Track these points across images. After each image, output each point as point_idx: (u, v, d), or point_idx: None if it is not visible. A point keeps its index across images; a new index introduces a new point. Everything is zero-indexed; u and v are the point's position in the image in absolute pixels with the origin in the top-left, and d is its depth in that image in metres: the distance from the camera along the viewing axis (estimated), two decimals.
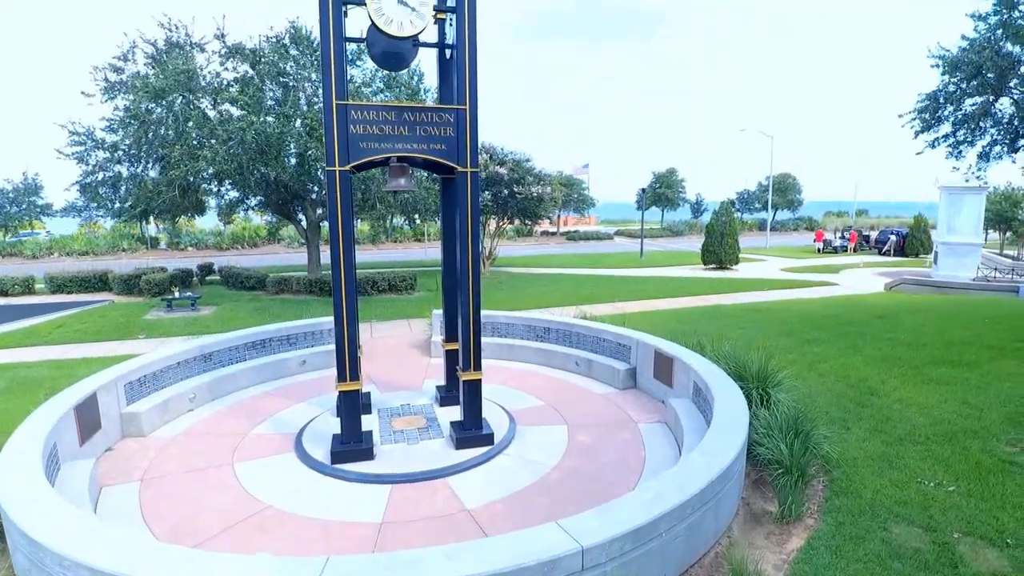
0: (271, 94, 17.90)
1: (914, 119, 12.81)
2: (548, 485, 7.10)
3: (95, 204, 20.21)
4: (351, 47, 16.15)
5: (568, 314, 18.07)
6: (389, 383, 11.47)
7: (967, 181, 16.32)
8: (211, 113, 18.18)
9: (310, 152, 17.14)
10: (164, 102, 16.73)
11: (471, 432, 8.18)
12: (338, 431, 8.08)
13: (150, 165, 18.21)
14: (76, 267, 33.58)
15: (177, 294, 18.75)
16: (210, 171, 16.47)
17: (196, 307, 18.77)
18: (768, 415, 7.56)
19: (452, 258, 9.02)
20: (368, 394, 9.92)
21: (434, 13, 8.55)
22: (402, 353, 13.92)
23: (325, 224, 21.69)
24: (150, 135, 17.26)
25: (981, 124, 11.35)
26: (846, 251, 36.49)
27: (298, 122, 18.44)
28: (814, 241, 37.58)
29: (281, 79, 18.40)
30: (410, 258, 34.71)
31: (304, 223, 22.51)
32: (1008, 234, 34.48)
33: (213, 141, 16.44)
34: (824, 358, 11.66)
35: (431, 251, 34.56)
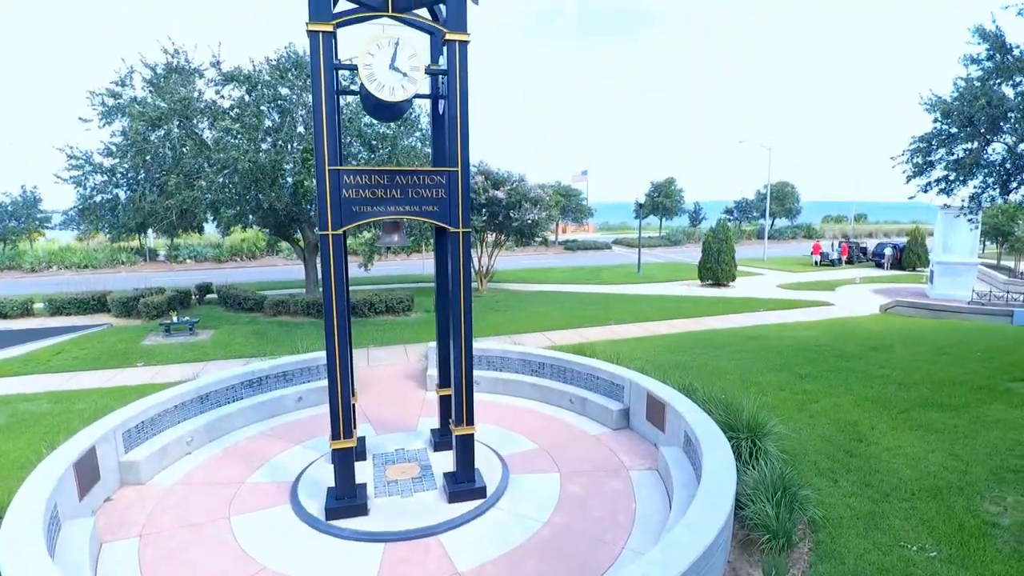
0: (267, 120, 18.01)
1: (907, 162, 12.96)
2: (539, 544, 7.20)
3: (93, 225, 20.32)
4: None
5: (564, 338, 18.26)
6: (384, 421, 11.57)
7: (956, 217, 16.48)
8: (208, 134, 18.31)
9: (306, 182, 17.25)
10: (161, 130, 16.85)
11: (464, 485, 8.29)
12: (332, 479, 8.16)
13: (148, 189, 18.31)
14: (75, 279, 33.75)
15: (175, 318, 18.84)
16: (207, 199, 16.59)
17: (194, 331, 18.88)
18: (756, 475, 7.65)
19: (445, 302, 9.13)
20: (363, 439, 10.02)
21: (428, 64, 8.69)
22: (398, 386, 14.01)
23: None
24: (148, 159, 17.36)
25: (973, 171, 11.51)
26: (841, 264, 36.59)
27: (293, 144, 18.55)
28: (811, 254, 37.64)
29: (278, 102, 18.53)
30: (408, 271, 34.79)
31: (301, 242, 22.61)
32: (1005, 246, 34.60)
33: (208, 168, 16.54)
34: (815, 397, 11.77)
35: (428, 264, 34.65)
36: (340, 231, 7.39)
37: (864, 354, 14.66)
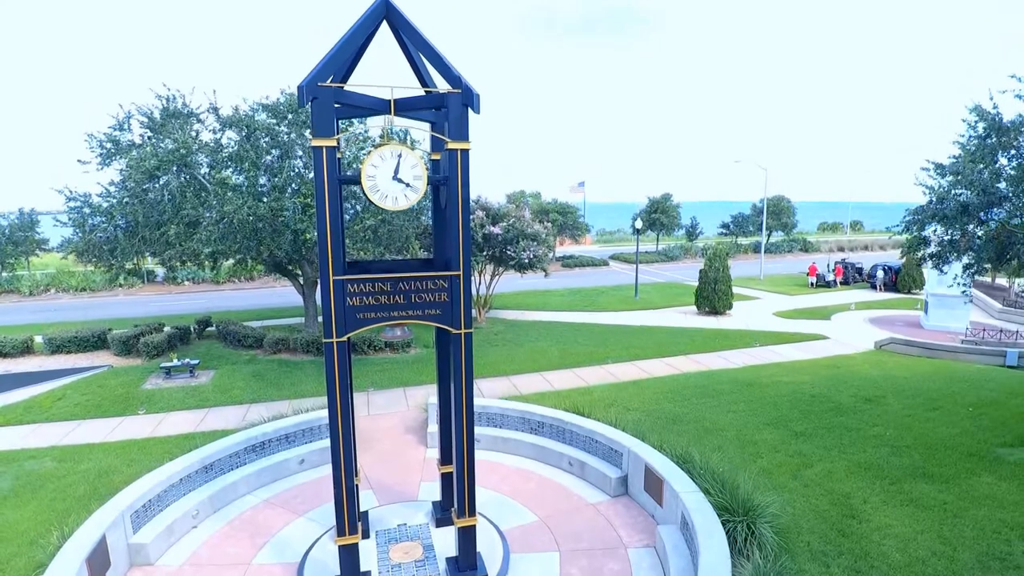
0: (266, 164, 18.17)
1: (903, 232, 13.28)
2: None
3: (93, 264, 20.45)
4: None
5: (562, 380, 18.43)
6: (386, 487, 11.74)
7: (949, 287, 16.73)
8: (205, 170, 18.48)
9: (307, 233, 17.41)
10: (160, 180, 17.01)
11: (466, 573, 8.46)
12: (338, 563, 8.28)
13: (148, 235, 18.46)
14: (73, 303, 33.81)
15: (176, 360, 18.95)
16: (207, 251, 16.75)
17: (194, 373, 19.00)
18: (751, 569, 7.83)
19: (445, 373, 9.24)
20: (365, 514, 10.18)
21: (430, 153, 8.86)
22: (398, 441, 14.16)
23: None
24: (146, 209, 17.52)
25: (968, 250, 11.78)
26: (836, 285, 36.83)
27: (292, 187, 18.72)
28: (807, 275, 37.89)
29: (275, 140, 18.70)
30: None
31: (301, 278, 22.74)
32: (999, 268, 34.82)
33: (208, 214, 16.68)
34: (810, 460, 11.96)
35: None
36: (345, 338, 7.55)
37: (858, 407, 14.86)
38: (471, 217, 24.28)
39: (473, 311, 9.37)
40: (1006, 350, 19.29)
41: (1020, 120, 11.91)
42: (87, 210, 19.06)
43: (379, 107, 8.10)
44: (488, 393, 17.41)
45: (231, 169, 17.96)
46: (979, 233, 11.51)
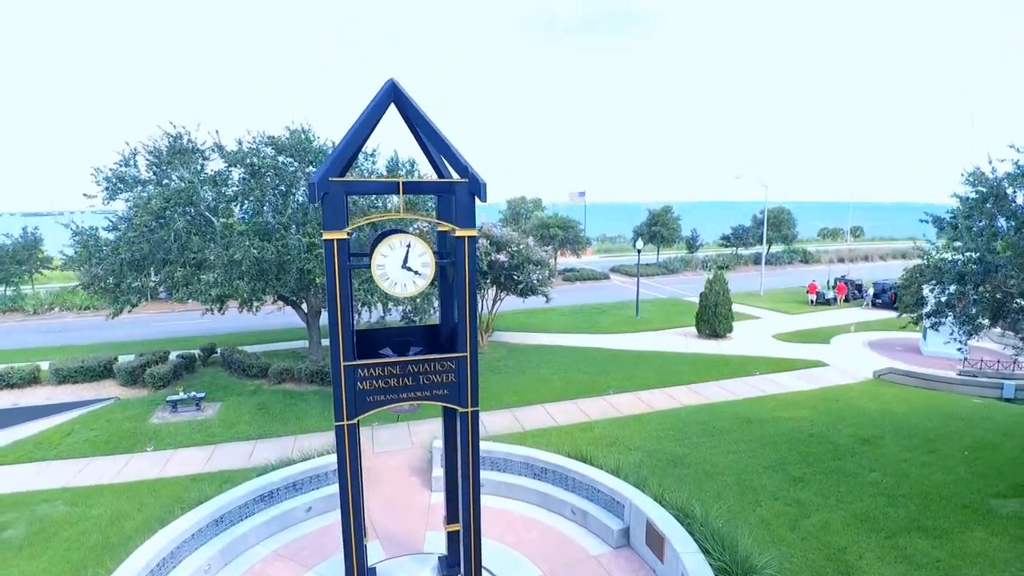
0: (270, 201, 18.43)
1: (900, 295, 13.53)
2: None
3: (99, 294, 20.70)
4: None
5: (563, 413, 18.65)
6: (392, 536, 11.95)
7: (945, 343, 16.97)
8: (210, 200, 18.75)
9: (311, 269, 17.66)
10: (165, 220, 17.26)
11: None
12: None
13: (154, 271, 18.74)
14: (77, 323, 34.02)
15: (182, 393, 19.19)
16: (213, 294, 17.02)
17: (200, 406, 19.23)
18: None
19: (453, 462, 9.47)
20: (373, 570, 10.39)
21: (438, 259, 9.08)
22: (403, 484, 14.36)
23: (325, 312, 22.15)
24: (152, 246, 17.78)
25: (963, 313, 12.08)
26: (836, 303, 37.04)
27: (295, 225, 18.97)
28: (807, 292, 38.10)
29: (278, 174, 18.95)
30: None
31: (305, 307, 22.97)
32: None
33: (213, 256, 16.93)
34: (807, 510, 12.18)
35: None
36: (355, 421, 7.78)
37: (856, 449, 15.08)
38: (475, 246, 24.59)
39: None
40: (1003, 382, 19.52)
41: (1018, 172, 12.19)
42: (92, 243, 19.30)
43: (388, 189, 8.33)
44: (491, 427, 17.64)
45: (236, 204, 18.20)
46: (974, 296, 11.79)
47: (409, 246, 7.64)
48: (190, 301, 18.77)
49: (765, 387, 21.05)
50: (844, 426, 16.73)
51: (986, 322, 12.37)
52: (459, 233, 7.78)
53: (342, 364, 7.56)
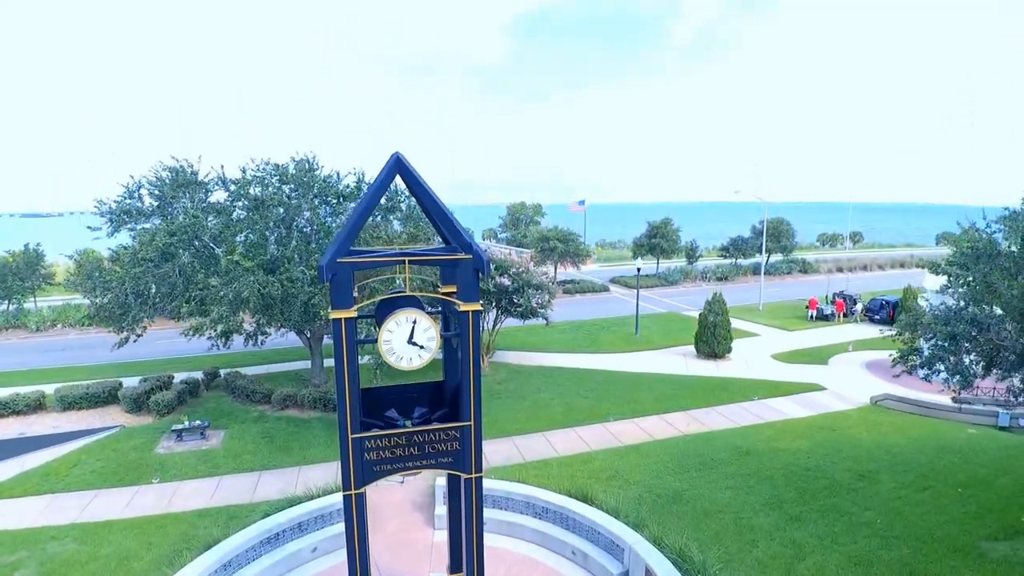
0: (273, 232, 18.66)
1: (897, 336, 13.85)
2: None
3: (104, 324, 20.94)
4: None
5: (564, 442, 18.86)
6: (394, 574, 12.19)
7: (940, 390, 17.19)
8: (216, 225, 19.01)
9: (316, 303, 17.90)
10: (170, 255, 17.49)
11: None
12: None
13: (159, 300, 18.98)
14: (79, 340, 34.22)
15: (187, 422, 19.41)
16: (219, 328, 17.26)
17: (205, 435, 19.44)
18: None
19: (457, 523, 9.67)
20: None
21: (440, 288, 9.28)
22: (406, 521, 14.57)
23: (327, 336, 22.37)
24: (158, 281, 18.05)
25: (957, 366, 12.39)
26: (835, 319, 37.26)
27: (298, 255, 19.20)
28: (808, 308, 38.32)
29: (281, 202, 19.18)
30: None
31: (308, 332, 23.18)
32: None
33: (220, 290, 17.17)
34: (803, 552, 12.42)
35: None
36: (362, 489, 8.00)
37: (852, 485, 15.32)
38: None
39: None
40: (997, 410, 19.75)
41: (1009, 214, 12.44)
42: (98, 275, 19.53)
43: (395, 261, 8.55)
44: (493, 458, 17.84)
45: (240, 237, 18.43)
46: (967, 348, 12.06)
47: (415, 322, 7.86)
48: (196, 336, 19.00)
49: (763, 414, 21.27)
50: (841, 459, 16.96)
51: (980, 371, 12.61)
52: (463, 308, 8.00)
53: (350, 437, 7.78)
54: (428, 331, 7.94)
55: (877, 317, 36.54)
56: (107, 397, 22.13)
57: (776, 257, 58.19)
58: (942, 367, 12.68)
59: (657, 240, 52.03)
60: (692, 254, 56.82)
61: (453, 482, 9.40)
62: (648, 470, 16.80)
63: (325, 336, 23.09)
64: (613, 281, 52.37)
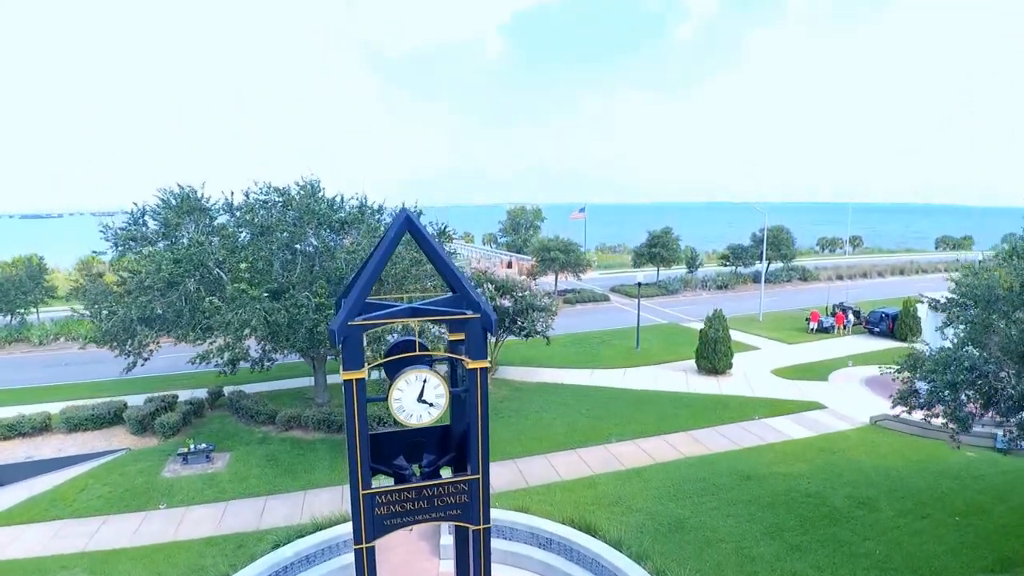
0: (279, 258, 18.84)
1: (896, 372, 14.08)
2: None
3: (110, 347, 21.11)
4: None
5: (567, 465, 19.02)
6: None
7: (938, 430, 17.37)
8: (221, 250, 19.22)
9: (320, 329, 18.08)
10: (176, 284, 17.70)
11: None
12: None
13: (163, 325, 19.19)
14: (83, 356, 34.29)
15: (192, 446, 19.58)
16: (226, 357, 17.46)
17: (210, 458, 19.61)
18: None
19: (464, 565, 9.84)
20: None
21: (448, 334, 9.43)
22: (411, 550, 14.69)
23: (331, 356, 22.55)
24: (164, 308, 18.25)
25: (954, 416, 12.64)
26: (835, 331, 37.44)
27: (303, 281, 19.38)
28: (808, 321, 38.49)
29: (285, 230, 19.39)
30: None
31: (311, 353, 23.35)
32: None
33: (225, 318, 17.35)
34: None
35: None
36: (372, 543, 8.17)
37: (851, 513, 15.51)
38: (479, 290, 25.00)
39: None
40: (996, 432, 19.90)
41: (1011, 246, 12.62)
42: (105, 301, 19.70)
43: (402, 315, 8.73)
44: (495, 483, 17.97)
45: (245, 263, 18.61)
46: (967, 394, 12.28)
47: (425, 381, 8.04)
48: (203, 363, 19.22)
49: (764, 434, 21.45)
50: (840, 484, 17.13)
51: (978, 411, 12.80)
52: (471, 365, 8.18)
53: (360, 493, 7.95)
54: (438, 388, 8.12)
55: (877, 330, 36.70)
56: (112, 418, 22.29)
57: (776, 265, 58.38)
58: (942, 408, 12.88)
59: (657, 249, 52.24)
60: (692, 262, 57.02)
61: (461, 531, 9.57)
62: (650, 496, 16.98)
63: (328, 355, 23.24)
64: (613, 290, 52.52)
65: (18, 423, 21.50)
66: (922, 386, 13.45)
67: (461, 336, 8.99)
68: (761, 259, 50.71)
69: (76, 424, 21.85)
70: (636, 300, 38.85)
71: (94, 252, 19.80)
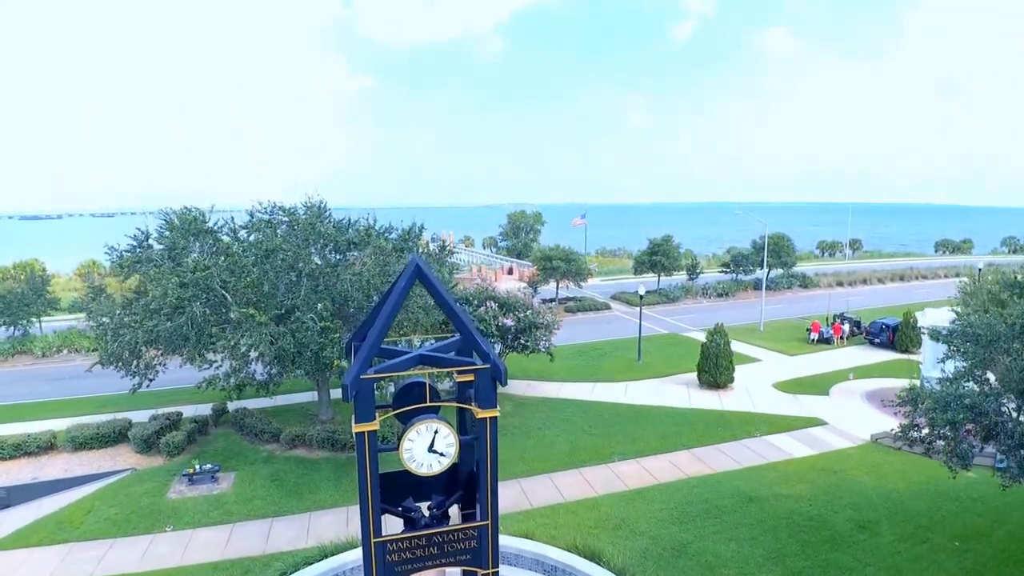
0: (284, 282, 18.98)
1: (898, 406, 14.26)
2: None
3: (115, 367, 21.23)
4: None
5: (569, 486, 19.16)
6: None
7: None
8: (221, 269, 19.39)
9: (327, 355, 18.23)
10: (182, 309, 17.84)
11: None
12: None
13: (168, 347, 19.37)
14: (85, 367, 34.44)
15: (198, 467, 19.71)
16: (232, 381, 17.61)
17: (216, 478, 19.74)
18: None
19: None
20: None
21: (456, 377, 9.55)
22: None
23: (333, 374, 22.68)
24: (170, 333, 18.39)
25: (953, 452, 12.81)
26: (835, 343, 37.60)
27: (307, 303, 19.53)
28: (808, 331, 38.64)
29: (290, 250, 19.54)
30: None
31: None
32: None
33: (231, 342, 17.51)
34: None
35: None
36: None
37: (852, 537, 15.66)
38: (482, 309, 25.16)
39: None
40: (995, 452, 20.03)
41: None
42: (111, 324, 19.84)
43: (412, 363, 8.86)
44: (500, 503, 17.98)
45: (248, 279, 18.75)
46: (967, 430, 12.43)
47: (436, 432, 8.18)
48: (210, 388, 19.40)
49: (765, 452, 21.59)
50: (841, 507, 17.28)
51: (978, 444, 12.94)
52: (480, 415, 8.32)
53: (372, 541, 8.09)
54: (448, 438, 8.26)
55: (877, 340, 36.87)
56: (117, 436, 22.41)
57: (776, 272, 58.55)
58: (942, 443, 13.03)
59: (658, 257, 52.39)
60: (693, 270, 57.17)
61: (469, 572, 9.72)
62: (653, 518, 17.12)
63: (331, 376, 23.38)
64: (614, 298, 52.66)
65: (24, 442, 21.62)
66: (921, 420, 13.61)
67: (470, 377, 9.14)
68: (762, 266, 50.89)
69: (82, 443, 21.97)
70: (637, 309, 39.01)
71: (99, 274, 19.90)
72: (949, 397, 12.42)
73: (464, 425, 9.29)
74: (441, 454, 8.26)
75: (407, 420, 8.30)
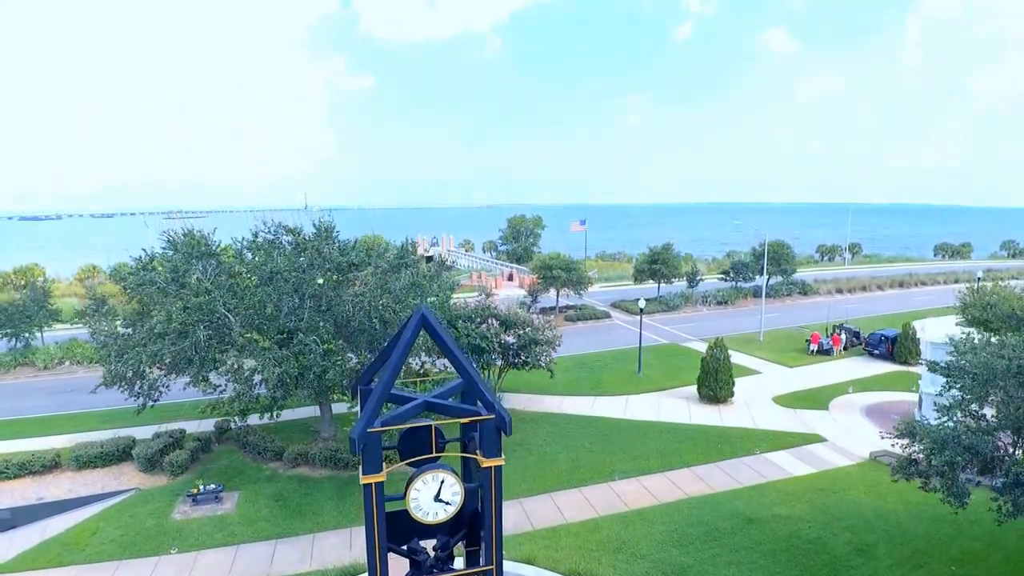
0: (287, 304, 19.13)
1: (896, 437, 14.43)
2: None
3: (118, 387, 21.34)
4: None
5: (570, 507, 19.30)
6: None
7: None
8: (230, 293, 19.54)
9: (331, 377, 18.38)
10: (186, 333, 18.00)
11: None
12: None
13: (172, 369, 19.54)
14: (87, 378, 34.52)
15: (201, 487, 19.85)
16: (237, 408, 17.78)
17: (220, 498, 19.88)
18: None
19: None
20: None
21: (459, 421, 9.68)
22: None
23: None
24: (173, 357, 18.55)
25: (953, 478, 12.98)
26: (834, 353, 37.76)
27: (309, 324, 19.68)
28: (808, 342, 38.79)
29: (294, 272, 19.69)
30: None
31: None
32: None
33: (234, 366, 17.67)
34: None
35: None
36: None
37: (851, 561, 15.85)
38: (484, 326, 25.30)
39: None
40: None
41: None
42: (114, 344, 19.98)
43: (417, 410, 9.01)
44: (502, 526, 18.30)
45: (252, 300, 18.89)
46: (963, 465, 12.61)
47: (442, 482, 8.33)
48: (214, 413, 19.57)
49: (765, 471, 21.75)
50: (840, 529, 17.44)
51: (975, 478, 13.10)
52: (485, 464, 8.47)
53: None
54: (454, 487, 8.41)
55: (876, 352, 37.03)
56: (121, 455, 22.54)
57: (776, 279, 58.70)
58: (938, 484, 13.21)
59: (658, 265, 52.53)
60: (692, 278, 57.31)
61: None
62: (654, 541, 17.26)
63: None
64: (614, 306, 52.82)
65: (28, 461, 21.75)
66: (919, 455, 13.77)
67: (472, 419, 9.27)
68: (762, 273, 51.02)
69: (85, 462, 22.09)
70: (637, 317, 39.13)
71: (103, 294, 20.03)
72: (947, 438, 12.58)
73: (468, 471, 9.44)
74: (447, 503, 8.41)
75: (413, 466, 8.45)
